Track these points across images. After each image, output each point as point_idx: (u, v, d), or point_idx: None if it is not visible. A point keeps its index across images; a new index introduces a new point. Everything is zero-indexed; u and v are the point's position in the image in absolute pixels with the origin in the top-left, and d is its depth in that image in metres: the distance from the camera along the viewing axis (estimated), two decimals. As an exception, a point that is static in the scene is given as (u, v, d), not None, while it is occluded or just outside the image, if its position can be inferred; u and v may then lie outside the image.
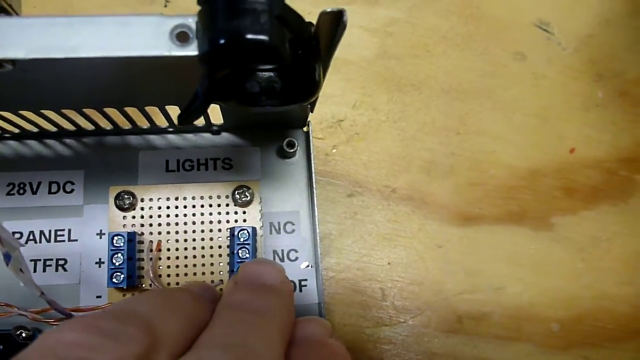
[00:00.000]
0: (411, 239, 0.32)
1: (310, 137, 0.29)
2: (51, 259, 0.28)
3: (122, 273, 0.24)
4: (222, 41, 0.15)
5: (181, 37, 0.16)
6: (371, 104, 0.34)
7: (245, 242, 0.25)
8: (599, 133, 0.35)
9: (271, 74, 0.20)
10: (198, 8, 0.17)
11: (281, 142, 0.29)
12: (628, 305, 0.33)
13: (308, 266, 0.29)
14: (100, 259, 0.28)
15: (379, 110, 0.34)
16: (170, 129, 0.29)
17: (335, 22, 0.17)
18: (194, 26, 0.16)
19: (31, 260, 0.28)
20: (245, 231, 0.25)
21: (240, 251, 0.25)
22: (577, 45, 0.37)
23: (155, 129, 0.29)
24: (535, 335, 0.31)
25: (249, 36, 0.15)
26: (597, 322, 0.32)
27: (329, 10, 0.16)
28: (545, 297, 0.32)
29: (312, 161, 0.29)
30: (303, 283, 0.29)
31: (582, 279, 0.33)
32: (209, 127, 0.29)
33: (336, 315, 0.30)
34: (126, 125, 0.28)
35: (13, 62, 0.17)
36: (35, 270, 0.27)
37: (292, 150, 0.29)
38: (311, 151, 0.29)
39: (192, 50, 0.16)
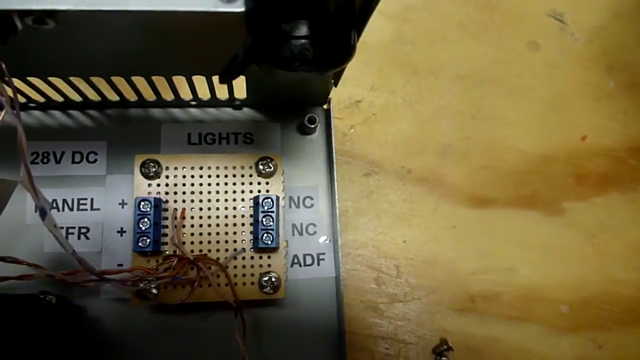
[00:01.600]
0: (426, 219, 0.32)
1: (331, 114, 0.30)
2: (74, 227, 0.28)
3: (148, 237, 0.24)
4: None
5: (227, -7, 0.16)
6: (388, 87, 0.35)
7: (270, 210, 0.25)
8: (609, 122, 0.36)
9: (304, 41, 0.20)
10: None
11: (302, 118, 0.30)
12: (635, 290, 0.33)
13: (326, 240, 0.29)
14: (122, 228, 0.28)
15: (396, 93, 0.35)
16: (194, 102, 0.29)
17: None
18: (240, -18, 0.17)
19: (53, 227, 0.28)
20: (270, 199, 0.25)
21: (264, 219, 0.25)
22: (589, 36, 0.38)
23: (178, 102, 0.29)
24: (545, 317, 0.32)
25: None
26: (604, 305, 0.33)
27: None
28: (555, 280, 0.33)
29: (333, 137, 0.29)
30: (321, 257, 0.29)
31: (590, 263, 0.33)
32: (231, 102, 0.30)
33: (351, 290, 0.31)
34: (150, 97, 0.29)
35: (57, 18, 0.18)
36: (57, 237, 0.28)
37: (312, 126, 0.29)
38: (332, 128, 0.30)
39: (238, 7, 0.17)
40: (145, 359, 0.27)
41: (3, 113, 0.19)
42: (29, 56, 0.22)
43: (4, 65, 0.18)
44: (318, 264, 0.29)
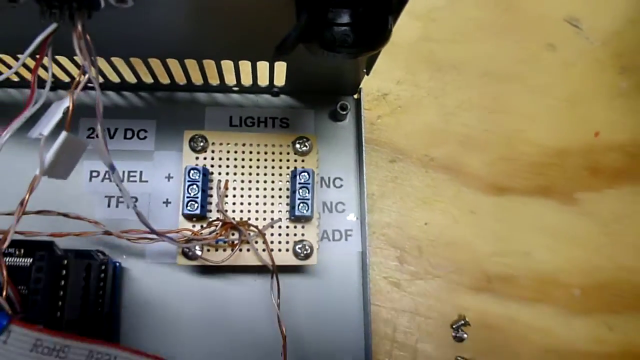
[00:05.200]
0: (447, 204, 0.34)
1: (362, 103, 0.32)
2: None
3: (196, 202, 0.27)
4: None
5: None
6: (413, 81, 0.37)
7: (306, 183, 0.28)
8: (621, 120, 0.38)
9: (345, 28, 0.23)
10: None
11: (334, 105, 0.32)
12: (647, 278, 0.35)
13: (355, 218, 0.31)
14: (167, 199, 0.31)
15: (421, 87, 0.37)
16: (236, 88, 0.32)
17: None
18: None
19: (105, 197, 0.31)
20: (306, 173, 0.28)
21: (300, 190, 0.28)
22: (604, 39, 0.40)
23: (222, 87, 0.32)
24: (559, 299, 0.34)
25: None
26: (616, 291, 0.34)
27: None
28: (569, 265, 0.34)
29: (363, 124, 0.32)
30: (349, 233, 0.31)
31: (603, 251, 0.35)
32: (270, 89, 0.32)
33: (376, 267, 0.33)
34: (197, 81, 0.31)
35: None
36: (109, 205, 0.30)
37: (344, 113, 0.32)
38: (362, 115, 0.32)
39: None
40: (184, 318, 0.29)
41: (84, 80, 0.21)
42: (99, 36, 0.25)
43: (89, 37, 0.21)
44: (346, 240, 0.31)
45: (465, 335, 0.32)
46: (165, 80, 0.31)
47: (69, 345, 0.18)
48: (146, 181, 0.31)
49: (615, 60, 0.40)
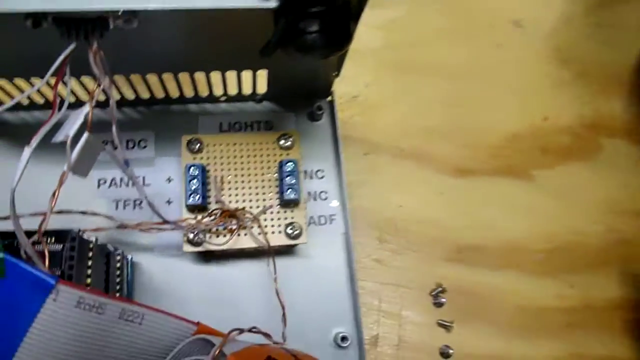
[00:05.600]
0: (418, 187, 0.39)
1: (335, 103, 0.37)
2: (129, 200, 0.34)
3: (197, 194, 0.31)
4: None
5: (263, -6, 0.24)
6: (380, 83, 0.42)
7: (292, 171, 0.32)
8: (567, 105, 0.43)
9: (315, 35, 0.27)
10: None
11: (311, 107, 0.36)
12: (597, 239, 0.39)
13: (337, 204, 0.35)
14: (169, 199, 0.34)
15: (387, 88, 0.42)
16: (223, 98, 0.36)
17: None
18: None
19: (113, 201, 0.34)
20: (291, 162, 0.32)
21: (287, 178, 0.32)
22: (545, 36, 0.45)
23: (211, 98, 0.36)
24: (524, 264, 0.38)
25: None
26: (573, 253, 0.39)
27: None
28: (530, 233, 0.39)
29: (337, 120, 0.36)
30: (333, 217, 0.35)
31: (559, 219, 0.40)
32: (253, 97, 0.37)
33: (358, 245, 0.37)
34: (189, 94, 0.35)
35: (139, 18, 0.25)
36: (117, 208, 0.34)
37: (320, 113, 0.36)
38: (335, 114, 0.36)
39: (271, 4, 0.24)
40: (191, 301, 0.33)
41: (100, 89, 0.25)
42: (105, 57, 0.29)
43: (102, 53, 0.25)
44: (331, 223, 0.35)
45: (443, 300, 0.36)
46: (160, 94, 0.35)
47: (105, 303, 0.21)
48: (149, 184, 0.35)
49: (557, 54, 0.45)
